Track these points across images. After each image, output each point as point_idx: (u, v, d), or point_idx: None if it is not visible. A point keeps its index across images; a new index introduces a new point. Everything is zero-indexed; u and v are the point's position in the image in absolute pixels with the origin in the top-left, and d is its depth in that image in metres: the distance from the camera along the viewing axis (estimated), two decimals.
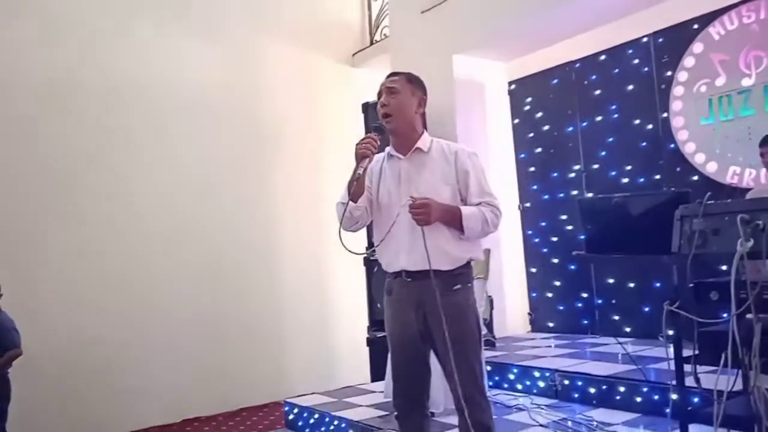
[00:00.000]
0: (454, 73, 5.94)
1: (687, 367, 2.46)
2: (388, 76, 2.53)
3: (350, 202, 2.39)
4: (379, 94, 2.49)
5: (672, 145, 5.07)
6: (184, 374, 6.01)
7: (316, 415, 4.43)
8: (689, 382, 2.47)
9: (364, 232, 4.77)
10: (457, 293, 2.38)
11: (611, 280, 5.54)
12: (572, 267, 5.85)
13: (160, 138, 6.22)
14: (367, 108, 5.82)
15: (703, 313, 2.42)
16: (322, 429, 4.34)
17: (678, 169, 5.01)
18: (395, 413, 2.56)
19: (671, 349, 2.55)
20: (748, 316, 2.21)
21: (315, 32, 7.31)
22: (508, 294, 6.15)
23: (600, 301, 5.65)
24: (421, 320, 2.39)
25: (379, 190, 2.49)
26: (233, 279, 6.49)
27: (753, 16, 4.54)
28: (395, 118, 2.44)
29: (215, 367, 6.18)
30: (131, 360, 5.76)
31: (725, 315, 2.24)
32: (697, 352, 2.42)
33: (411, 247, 2.36)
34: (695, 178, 4.87)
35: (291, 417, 4.73)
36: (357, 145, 2.36)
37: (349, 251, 2.38)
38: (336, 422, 4.21)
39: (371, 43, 7.48)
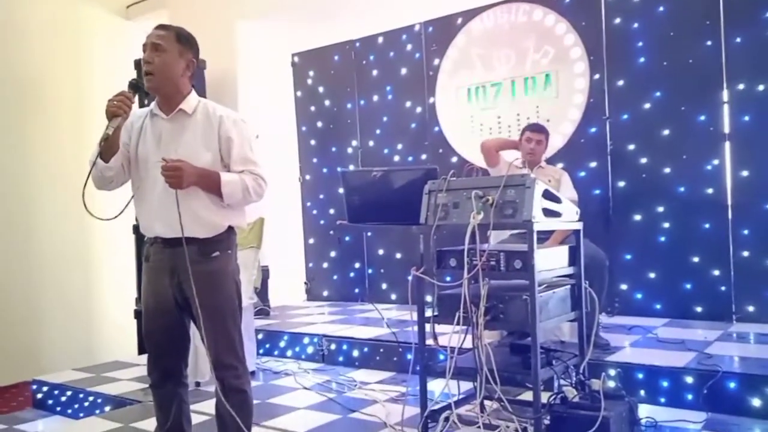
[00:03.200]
0: (236, 38, 5.81)
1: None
2: (156, 28, 2.34)
3: (100, 162, 2.25)
4: (144, 48, 2.31)
5: (437, 128, 5.53)
6: None
7: (69, 392, 4.11)
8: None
9: (127, 196, 4.53)
10: (214, 260, 2.34)
11: (382, 251, 5.91)
12: (347, 238, 6.12)
13: None
14: (139, 65, 5.43)
15: (443, 278, 2.72)
16: (76, 406, 4.04)
17: (441, 150, 5.48)
18: (150, 383, 2.49)
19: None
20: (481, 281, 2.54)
21: None
22: (285, 264, 6.25)
23: (371, 271, 6.00)
24: (176, 287, 2.33)
25: (137, 149, 2.36)
26: None
27: (506, 17, 5.11)
28: (157, 78, 2.28)
29: None
30: None
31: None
32: (436, 313, 2.71)
33: (165, 212, 2.26)
34: (454, 159, 5.38)
35: (40, 396, 4.33)
36: (108, 101, 2.19)
37: (91, 214, 2.21)
38: (91, 398, 3.95)
39: None
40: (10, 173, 6.01)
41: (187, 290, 2.30)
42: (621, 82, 4.63)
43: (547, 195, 2.56)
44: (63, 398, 4.14)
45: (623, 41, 4.61)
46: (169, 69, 2.30)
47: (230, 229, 2.41)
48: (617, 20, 4.64)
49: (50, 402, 4.25)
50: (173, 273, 2.32)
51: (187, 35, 2.39)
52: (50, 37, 6.30)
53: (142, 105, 2.33)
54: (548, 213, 2.56)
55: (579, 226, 2.81)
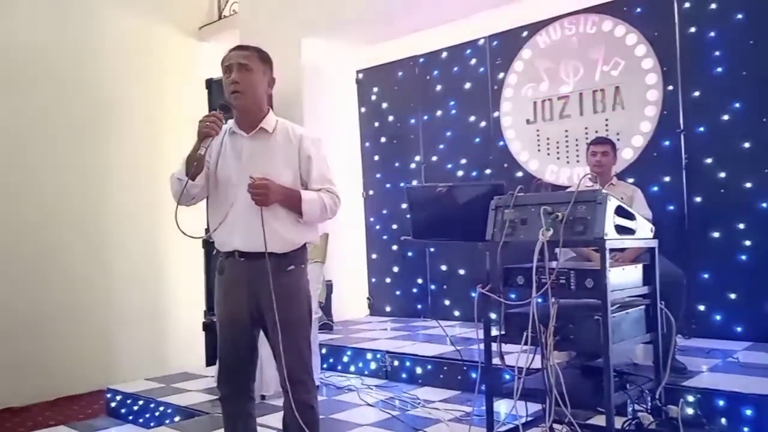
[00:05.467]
0: (302, 56, 5.94)
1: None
2: (237, 49, 2.42)
3: (189, 180, 2.31)
4: (229, 69, 2.38)
5: (501, 143, 5.45)
6: None
7: (141, 402, 4.23)
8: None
9: (203, 213, 4.68)
10: (289, 274, 2.38)
11: (444, 267, 5.85)
12: (410, 254, 6.09)
13: None
14: (211, 84, 5.62)
15: (508, 296, 2.65)
16: (147, 416, 4.16)
17: (505, 165, 5.40)
18: (219, 395, 2.52)
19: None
20: (550, 299, 2.47)
21: (157, 0, 6.92)
22: (348, 279, 6.28)
23: (433, 287, 5.94)
24: (252, 300, 2.37)
25: (217, 166, 2.42)
26: (57, 258, 6.01)
27: (573, 28, 5.00)
28: (245, 96, 2.35)
29: (30, 354, 5.70)
30: None
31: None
32: (503, 332, 2.64)
33: (246, 227, 2.32)
34: (520, 174, 5.28)
35: (113, 405, 4.48)
36: (200, 122, 2.26)
37: (185, 234, 2.27)
38: (162, 408, 4.06)
39: (219, 18, 7.23)
40: (86, 188, 6.31)
41: (262, 302, 2.34)
42: (697, 93, 4.44)
43: (620, 211, 2.46)
44: (135, 407, 4.28)
45: (699, 51, 4.43)
46: (256, 87, 2.39)
47: (304, 244, 2.45)
48: (692, 29, 4.46)
49: (123, 411, 4.39)
50: (249, 286, 2.36)
51: (267, 55, 2.47)
52: (125, 56, 6.62)
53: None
54: (621, 230, 2.47)
55: (654, 243, 2.69)
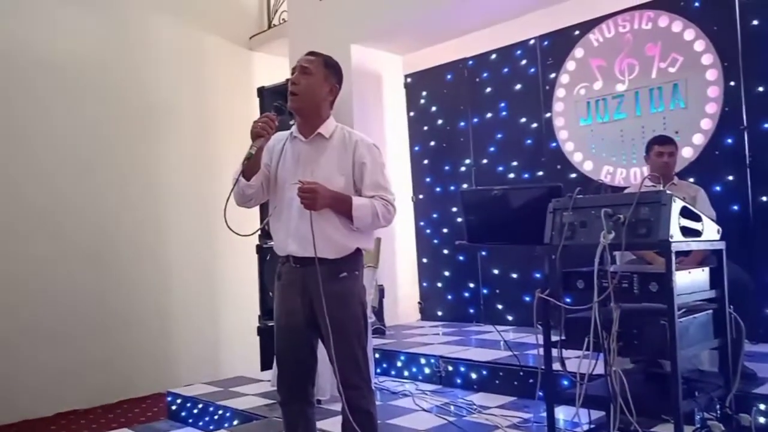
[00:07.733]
0: (351, 62, 5.96)
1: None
2: (306, 54, 2.47)
3: (242, 180, 2.36)
4: (293, 71, 2.44)
5: (554, 144, 5.36)
6: (59, 364, 5.68)
7: (200, 405, 4.31)
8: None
9: (257, 216, 4.75)
10: (342, 281, 2.38)
11: (496, 271, 5.78)
12: (461, 258, 6.05)
13: (39, 115, 5.85)
14: (262, 92, 5.72)
15: (571, 301, 2.59)
16: (206, 419, 4.23)
17: (558, 166, 5.30)
18: (279, 400, 2.55)
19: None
20: (612, 304, 2.40)
21: (208, 12, 7.09)
22: (399, 283, 6.27)
23: (485, 291, 5.88)
24: (307, 306, 2.38)
25: (277, 170, 2.46)
26: (116, 264, 6.20)
27: (628, 25, 4.88)
28: (301, 99, 2.39)
29: (93, 358, 5.90)
30: None
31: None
32: (564, 337, 2.58)
33: (299, 232, 2.34)
34: (573, 175, 5.18)
35: (174, 408, 4.58)
36: (254, 123, 2.31)
37: (232, 230, 2.30)
38: (221, 411, 4.12)
39: (269, 27, 7.35)
40: (142, 195, 6.49)
41: (316, 309, 2.35)
42: (761, 89, 4.27)
43: (685, 212, 2.38)
44: (195, 411, 4.36)
45: (762, 44, 4.25)
46: (313, 91, 2.41)
47: (358, 250, 2.44)
48: (754, 22, 4.29)
49: (183, 414, 4.48)
50: (304, 292, 2.38)
51: (334, 63, 2.49)
52: (178, 66, 6.80)
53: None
54: (686, 231, 2.38)
55: (721, 245, 2.59)
